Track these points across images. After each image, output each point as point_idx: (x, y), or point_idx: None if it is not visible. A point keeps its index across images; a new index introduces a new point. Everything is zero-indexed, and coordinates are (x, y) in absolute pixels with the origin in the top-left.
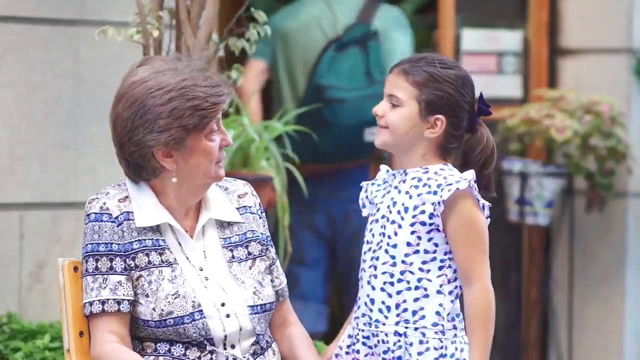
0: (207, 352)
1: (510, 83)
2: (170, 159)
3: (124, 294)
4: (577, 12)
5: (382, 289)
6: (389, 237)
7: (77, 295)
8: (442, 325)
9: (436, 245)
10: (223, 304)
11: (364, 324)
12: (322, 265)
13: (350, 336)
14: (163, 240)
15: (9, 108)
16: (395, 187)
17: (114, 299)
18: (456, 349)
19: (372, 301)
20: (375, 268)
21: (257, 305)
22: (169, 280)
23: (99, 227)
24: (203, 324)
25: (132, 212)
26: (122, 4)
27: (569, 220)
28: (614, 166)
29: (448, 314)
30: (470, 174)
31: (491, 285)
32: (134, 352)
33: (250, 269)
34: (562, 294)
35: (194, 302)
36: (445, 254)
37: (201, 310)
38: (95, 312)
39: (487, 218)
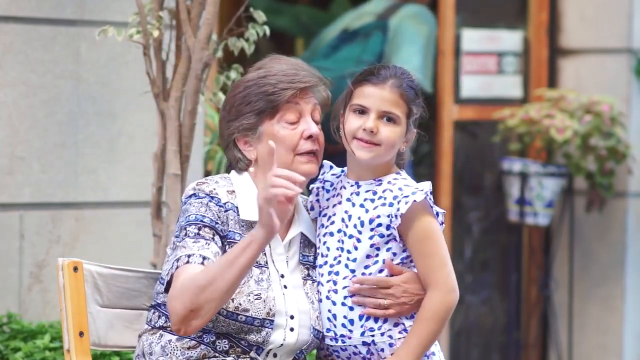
0: (247, 357)
1: (510, 83)
2: (250, 147)
3: None
4: (577, 12)
5: (343, 304)
6: (349, 251)
7: (77, 295)
8: (404, 324)
9: (394, 254)
10: (292, 317)
11: (330, 339)
12: None
13: (321, 349)
14: None
15: (9, 108)
16: (348, 200)
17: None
18: None
19: (335, 316)
20: (335, 283)
21: (316, 330)
22: (256, 281)
23: (207, 204)
24: (267, 333)
25: (238, 207)
26: (122, 4)
27: (569, 220)
28: (614, 166)
29: None
30: (428, 185)
31: (452, 294)
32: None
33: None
34: (562, 294)
35: (270, 310)
36: (403, 260)
37: (272, 321)
38: (194, 263)
39: (441, 224)
